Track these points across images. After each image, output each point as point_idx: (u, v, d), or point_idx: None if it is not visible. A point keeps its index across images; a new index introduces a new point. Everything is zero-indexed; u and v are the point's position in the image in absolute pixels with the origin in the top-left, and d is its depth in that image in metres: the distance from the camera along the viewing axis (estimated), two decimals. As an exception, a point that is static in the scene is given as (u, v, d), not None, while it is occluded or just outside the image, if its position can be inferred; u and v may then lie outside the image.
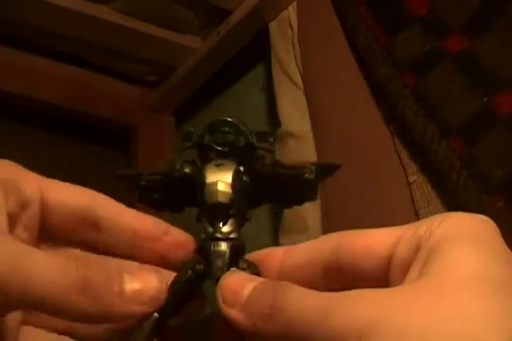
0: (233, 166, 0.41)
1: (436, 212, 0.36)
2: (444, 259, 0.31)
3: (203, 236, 0.40)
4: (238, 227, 0.40)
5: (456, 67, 0.91)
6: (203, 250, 0.40)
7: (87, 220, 0.40)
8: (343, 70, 1.15)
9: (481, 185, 0.83)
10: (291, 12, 1.30)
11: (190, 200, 0.42)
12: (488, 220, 0.34)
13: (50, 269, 0.34)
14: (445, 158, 0.88)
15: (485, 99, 0.86)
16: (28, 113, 1.60)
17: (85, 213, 0.40)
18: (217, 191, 0.40)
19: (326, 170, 0.41)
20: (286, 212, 1.16)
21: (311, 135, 1.18)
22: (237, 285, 0.36)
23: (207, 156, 0.42)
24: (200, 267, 0.39)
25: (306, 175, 0.40)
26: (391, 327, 0.29)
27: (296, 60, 1.26)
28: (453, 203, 0.87)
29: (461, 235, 0.32)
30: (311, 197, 0.42)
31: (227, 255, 0.39)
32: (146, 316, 0.37)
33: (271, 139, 0.43)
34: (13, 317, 0.39)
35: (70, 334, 0.40)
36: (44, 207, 0.39)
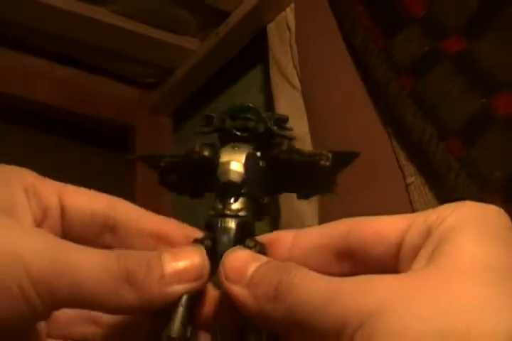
0: (248, 149, 0.41)
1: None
2: (452, 248, 0.31)
3: (212, 212, 0.40)
4: (249, 207, 0.40)
5: (454, 68, 0.91)
6: (211, 226, 0.39)
7: (107, 225, 0.40)
8: (341, 72, 1.15)
9: (480, 187, 0.83)
10: (289, 14, 1.30)
11: (210, 185, 0.42)
12: (500, 211, 0.34)
13: (93, 265, 0.34)
14: (443, 160, 0.88)
15: (483, 100, 0.86)
16: (26, 114, 1.60)
17: (104, 218, 0.40)
18: (229, 170, 0.40)
19: (343, 158, 0.41)
20: (283, 209, 1.16)
21: (308, 136, 1.18)
22: (240, 263, 0.36)
23: (226, 141, 0.42)
24: (208, 243, 0.39)
25: (322, 162, 0.40)
26: (394, 315, 0.29)
27: (293, 62, 1.26)
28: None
29: (470, 224, 0.32)
30: (329, 188, 0.41)
31: (234, 231, 0.39)
32: (193, 292, 0.36)
33: (288, 126, 0.43)
34: (41, 327, 0.39)
35: None
36: (63, 213, 0.39)
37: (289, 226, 1.15)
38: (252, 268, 0.35)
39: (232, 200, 0.40)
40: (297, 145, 1.29)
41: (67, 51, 1.61)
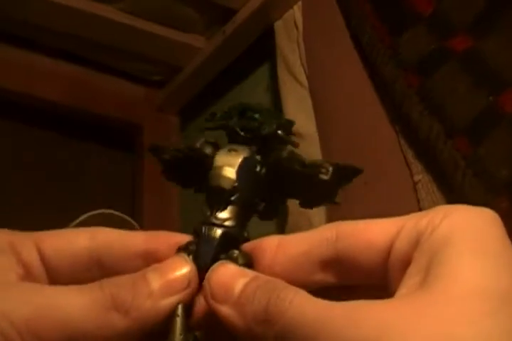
0: (246, 153, 0.39)
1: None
2: (447, 269, 0.30)
3: (201, 219, 0.39)
4: (238, 216, 0.39)
5: (461, 66, 0.91)
6: (197, 233, 0.38)
7: (92, 259, 0.39)
8: (348, 70, 1.15)
9: (486, 185, 0.82)
10: (297, 11, 1.30)
11: (204, 186, 0.40)
12: (493, 216, 0.33)
13: (78, 301, 0.34)
14: (450, 158, 0.88)
15: (490, 98, 0.86)
16: (33, 112, 1.60)
17: (88, 254, 0.39)
18: (220, 175, 0.38)
19: (345, 172, 0.39)
20: (291, 209, 1.16)
21: (316, 134, 1.18)
22: (227, 279, 0.35)
23: (231, 139, 0.41)
24: (193, 248, 0.38)
25: (322, 176, 0.38)
26: None
27: (301, 60, 1.26)
28: (458, 203, 0.87)
29: (464, 236, 0.31)
30: (329, 200, 0.40)
31: (217, 241, 0.38)
32: (186, 301, 0.36)
33: (293, 131, 0.41)
34: None
35: None
36: (45, 263, 0.39)
37: (297, 226, 1.15)
38: (239, 286, 0.34)
39: (220, 208, 0.39)
40: (305, 143, 1.29)
41: (73, 49, 1.61)
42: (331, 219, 1.10)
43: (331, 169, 0.38)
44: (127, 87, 1.73)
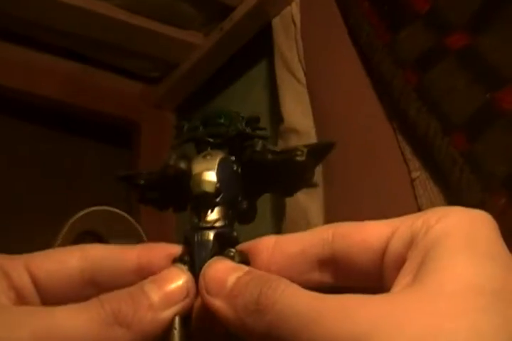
0: (220, 155, 0.40)
1: (439, 209, 0.36)
2: (439, 266, 0.30)
3: (188, 227, 0.39)
4: (226, 216, 0.39)
5: (458, 63, 0.91)
6: (188, 241, 0.38)
7: (85, 279, 0.39)
8: (346, 66, 1.15)
9: (484, 182, 0.83)
10: (295, 8, 1.30)
11: (188, 198, 0.41)
12: (488, 218, 0.33)
13: (79, 319, 0.34)
14: (448, 155, 0.88)
15: (487, 95, 0.86)
16: (30, 109, 1.61)
17: (80, 274, 0.39)
18: (201, 181, 0.39)
19: (319, 150, 0.40)
20: (288, 205, 1.16)
21: (313, 131, 1.18)
22: (220, 274, 0.35)
23: (202, 149, 0.41)
24: (187, 259, 0.38)
25: (298, 158, 0.38)
26: None
27: (299, 56, 1.26)
28: (455, 199, 0.87)
29: (458, 236, 0.31)
30: (308, 183, 0.40)
31: (211, 244, 0.38)
32: (185, 313, 0.36)
33: (260, 124, 0.42)
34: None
35: None
36: (37, 285, 0.39)
37: (294, 223, 1.15)
38: (232, 279, 0.34)
39: (207, 212, 0.39)
40: (302, 140, 1.29)
41: (70, 46, 1.61)
42: (328, 215, 1.10)
43: (305, 150, 0.38)
44: (124, 83, 1.73)
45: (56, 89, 1.60)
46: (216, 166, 0.39)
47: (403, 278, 0.31)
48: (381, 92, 1.06)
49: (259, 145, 0.40)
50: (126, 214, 1.17)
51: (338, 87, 1.17)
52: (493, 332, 0.27)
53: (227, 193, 0.39)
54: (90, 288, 0.39)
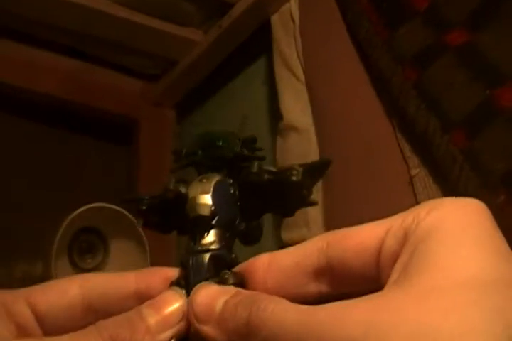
0: (217, 178, 0.40)
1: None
2: (429, 263, 0.30)
3: (184, 251, 0.39)
4: (223, 238, 0.39)
5: (457, 60, 0.91)
6: (184, 265, 0.38)
7: (85, 307, 0.40)
8: (345, 63, 1.15)
9: (483, 179, 0.83)
10: (293, 5, 1.30)
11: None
12: (479, 206, 0.32)
13: None
14: (447, 152, 0.88)
15: (487, 92, 0.86)
16: (30, 106, 1.60)
17: (81, 303, 0.39)
18: (196, 204, 0.39)
19: (316, 168, 0.40)
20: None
21: (313, 128, 1.18)
22: (208, 300, 0.35)
23: (201, 173, 0.42)
24: (182, 283, 0.38)
25: (293, 178, 0.38)
26: None
27: (298, 53, 1.26)
28: (454, 196, 0.87)
29: (448, 230, 0.31)
30: (307, 201, 0.40)
31: (206, 267, 0.38)
32: (181, 335, 0.36)
33: (257, 146, 0.42)
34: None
35: None
36: (39, 318, 0.39)
37: (294, 222, 1.15)
38: (220, 304, 0.34)
39: (203, 235, 0.39)
40: (301, 137, 1.28)
41: (70, 43, 1.61)
42: (328, 216, 1.10)
43: (300, 169, 0.38)
44: (123, 80, 1.72)
45: (56, 86, 1.59)
46: (211, 189, 0.39)
47: (394, 275, 0.31)
48: (380, 89, 1.06)
49: (255, 166, 0.40)
50: (125, 211, 1.17)
51: (337, 83, 1.17)
52: (487, 326, 0.27)
53: (223, 216, 0.39)
54: (91, 315, 0.39)
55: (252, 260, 0.38)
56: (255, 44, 1.46)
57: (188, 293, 0.37)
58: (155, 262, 1.23)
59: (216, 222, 0.39)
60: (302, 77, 1.24)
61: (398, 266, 0.31)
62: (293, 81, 1.25)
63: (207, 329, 0.34)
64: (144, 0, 1.49)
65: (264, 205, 0.41)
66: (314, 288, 0.36)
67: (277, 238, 1.17)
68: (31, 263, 1.22)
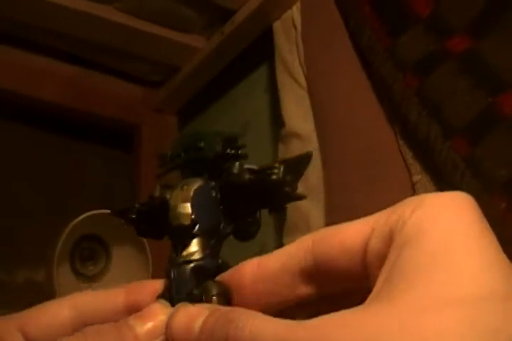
0: (197, 184, 0.39)
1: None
2: (415, 274, 0.28)
3: (167, 263, 0.39)
4: (206, 246, 0.38)
5: (459, 67, 0.91)
6: (167, 277, 0.38)
7: (77, 328, 0.39)
8: (347, 70, 1.15)
9: (485, 186, 0.82)
10: (295, 12, 1.30)
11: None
12: (466, 199, 0.31)
13: None
14: (449, 159, 0.88)
15: (489, 99, 0.86)
16: (30, 112, 1.60)
17: (72, 324, 0.40)
18: (177, 214, 0.38)
19: (297, 163, 0.38)
20: (290, 210, 1.16)
21: (314, 135, 1.18)
22: (184, 324, 0.35)
23: (185, 176, 0.41)
24: (167, 294, 0.38)
25: (274, 177, 0.37)
26: None
27: (299, 60, 1.26)
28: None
29: (432, 234, 0.29)
30: (292, 197, 0.39)
31: (188, 279, 0.37)
32: None
33: (239, 144, 0.41)
34: None
35: None
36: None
37: (295, 226, 1.15)
38: (197, 325, 0.34)
39: (184, 245, 0.38)
40: (303, 143, 1.28)
41: (71, 49, 1.61)
42: (330, 219, 1.10)
43: (281, 168, 0.38)
44: (125, 87, 1.73)
45: (57, 92, 1.60)
46: (191, 197, 0.39)
47: (378, 284, 0.30)
48: (382, 96, 1.06)
49: (235, 166, 0.39)
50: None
51: (339, 90, 1.17)
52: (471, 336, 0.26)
53: (205, 223, 0.39)
54: None
55: (239, 265, 0.38)
56: (257, 51, 1.46)
57: (172, 305, 0.37)
58: (157, 269, 1.23)
59: (197, 230, 0.38)
60: (304, 84, 1.24)
61: (383, 272, 0.30)
62: (295, 87, 1.25)
63: None
64: (146, 6, 1.49)
65: (250, 204, 0.40)
66: (302, 290, 0.36)
67: (280, 243, 1.17)
68: (33, 269, 1.22)
